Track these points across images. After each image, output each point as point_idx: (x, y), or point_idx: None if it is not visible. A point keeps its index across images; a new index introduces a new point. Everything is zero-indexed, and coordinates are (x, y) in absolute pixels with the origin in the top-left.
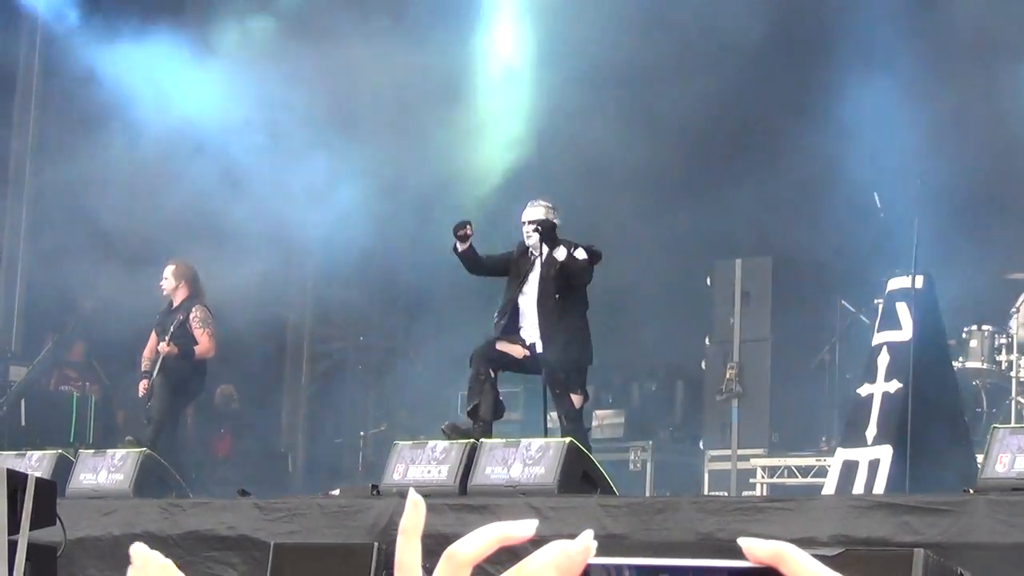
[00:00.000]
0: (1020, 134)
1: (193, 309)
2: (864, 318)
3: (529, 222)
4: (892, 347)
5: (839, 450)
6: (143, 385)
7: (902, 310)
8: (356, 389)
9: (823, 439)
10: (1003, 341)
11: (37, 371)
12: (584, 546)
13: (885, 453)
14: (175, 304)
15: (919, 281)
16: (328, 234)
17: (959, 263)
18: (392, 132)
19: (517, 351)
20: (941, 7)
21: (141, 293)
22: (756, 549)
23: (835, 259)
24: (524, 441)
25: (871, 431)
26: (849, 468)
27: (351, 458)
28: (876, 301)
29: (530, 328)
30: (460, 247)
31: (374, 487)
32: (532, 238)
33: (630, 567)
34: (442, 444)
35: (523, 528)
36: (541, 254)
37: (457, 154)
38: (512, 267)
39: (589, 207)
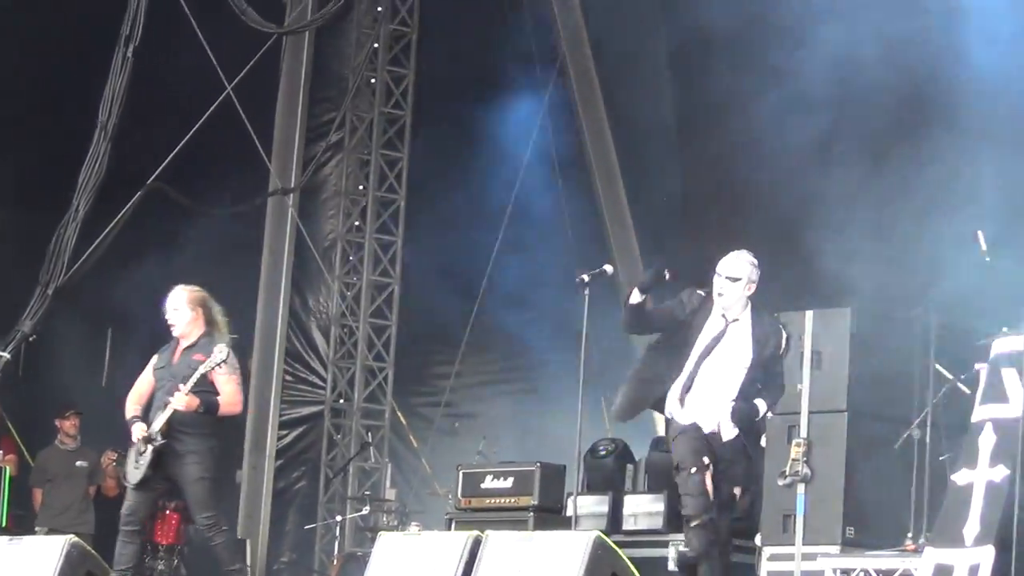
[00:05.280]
0: None
1: (216, 349)
2: (964, 387)
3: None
4: (998, 424)
5: (929, 550)
6: (140, 431)
7: (1010, 379)
8: (334, 460)
9: (909, 536)
10: None
11: None
12: None
13: (987, 556)
14: (188, 342)
15: None
16: None
17: None
18: None
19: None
20: None
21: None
22: None
23: (928, 312)
24: (540, 535)
25: (971, 528)
26: (942, 573)
27: (325, 549)
28: (978, 367)
29: (711, 403)
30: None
31: None
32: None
33: None
34: (438, 537)
35: None
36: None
37: None
38: (685, 323)
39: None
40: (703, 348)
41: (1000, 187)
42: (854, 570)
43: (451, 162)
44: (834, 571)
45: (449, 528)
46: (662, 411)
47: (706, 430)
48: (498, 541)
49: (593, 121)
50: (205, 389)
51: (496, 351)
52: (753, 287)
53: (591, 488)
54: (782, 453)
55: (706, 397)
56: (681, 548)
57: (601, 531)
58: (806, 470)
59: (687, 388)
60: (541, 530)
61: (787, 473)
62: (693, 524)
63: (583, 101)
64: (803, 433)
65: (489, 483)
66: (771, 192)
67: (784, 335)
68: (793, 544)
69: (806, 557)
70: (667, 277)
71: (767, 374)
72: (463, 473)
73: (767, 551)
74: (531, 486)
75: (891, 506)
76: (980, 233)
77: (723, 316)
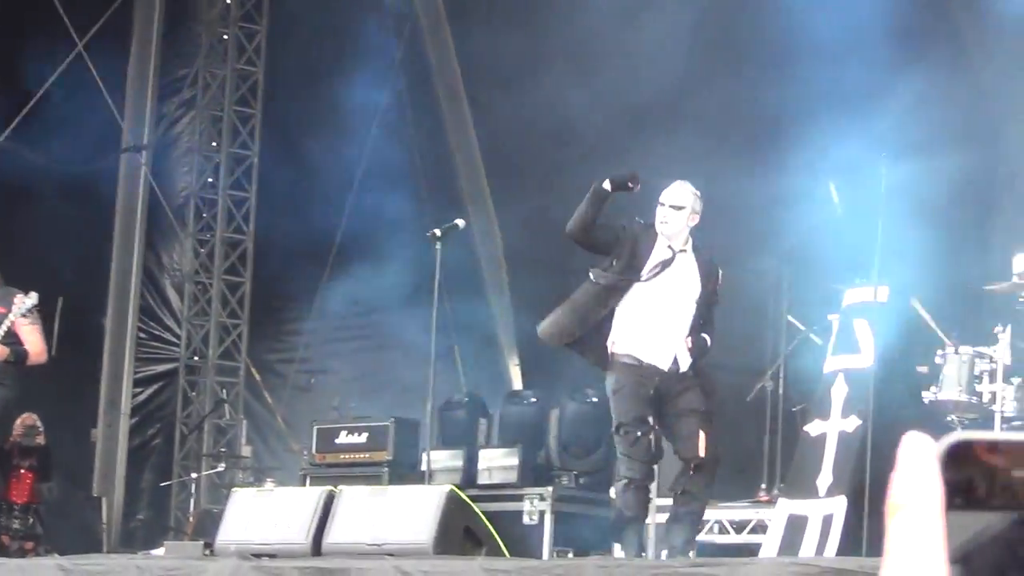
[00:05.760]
0: (1004, 122)
1: (16, 299)
2: (816, 338)
3: (670, 205)
4: (849, 375)
5: (783, 501)
6: None
7: (862, 329)
8: (189, 418)
9: (763, 487)
10: (985, 367)
11: None
12: None
13: (840, 506)
14: None
15: (882, 293)
16: None
17: (931, 271)
18: None
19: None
20: None
21: None
22: None
23: (781, 264)
24: (393, 489)
25: (823, 479)
26: (795, 524)
27: (181, 506)
28: (830, 317)
29: (664, 334)
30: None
31: (207, 545)
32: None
33: None
34: (291, 493)
35: None
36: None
37: None
38: (628, 253)
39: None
40: (650, 273)
41: (853, 138)
42: (708, 521)
43: (304, 117)
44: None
45: (304, 484)
46: (582, 354)
47: (663, 367)
48: (351, 496)
49: (445, 71)
50: (10, 340)
51: (350, 307)
52: (696, 218)
53: (446, 443)
54: None
55: (658, 327)
56: (621, 509)
57: (455, 485)
58: None
59: (634, 315)
60: (396, 485)
61: None
62: (634, 487)
63: (435, 51)
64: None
65: (343, 439)
66: (624, 142)
67: (721, 274)
68: None
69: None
70: (635, 186)
71: (708, 310)
72: (317, 429)
73: None
74: (386, 441)
75: (744, 458)
76: (832, 185)
77: (669, 247)
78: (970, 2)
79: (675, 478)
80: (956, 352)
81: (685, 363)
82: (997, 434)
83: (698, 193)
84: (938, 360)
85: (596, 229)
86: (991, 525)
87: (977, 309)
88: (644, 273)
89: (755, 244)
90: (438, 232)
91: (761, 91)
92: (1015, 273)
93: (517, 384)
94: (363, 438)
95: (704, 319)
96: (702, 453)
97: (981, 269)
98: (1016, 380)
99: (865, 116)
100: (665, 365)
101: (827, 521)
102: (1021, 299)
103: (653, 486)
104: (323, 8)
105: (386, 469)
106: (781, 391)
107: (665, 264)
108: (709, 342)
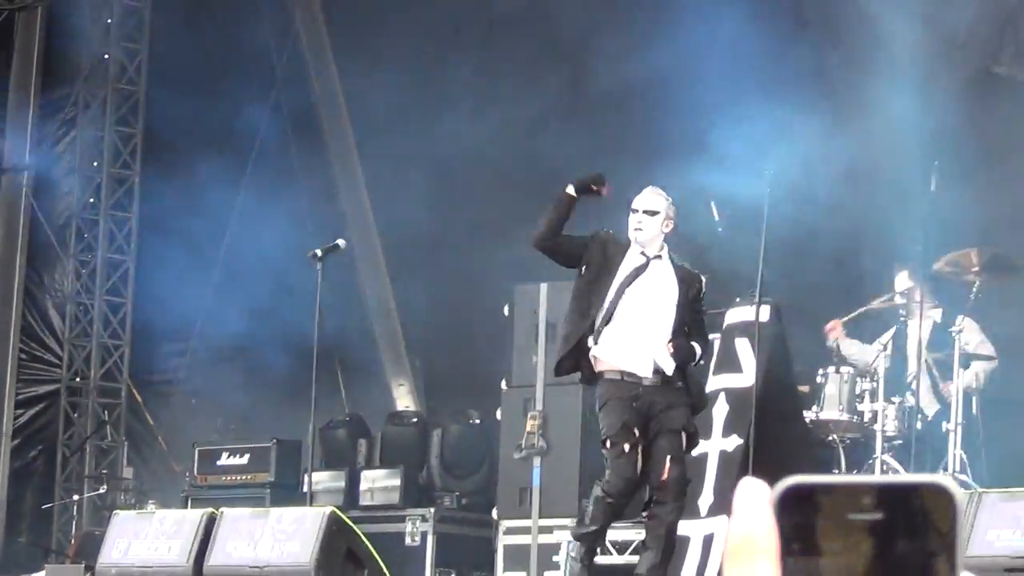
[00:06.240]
0: (885, 142)
1: None
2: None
3: (644, 211)
4: (731, 394)
5: None
6: None
7: (743, 348)
8: (71, 439)
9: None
10: (866, 387)
11: None
12: None
13: (721, 526)
14: None
15: (764, 312)
16: None
17: (812, 290)
18: None
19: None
20: None
21: None
22: None
23: None
24: (275, 511)
25: (705, 499)
26: (678, 544)
27: (63, 528)
28: (712, 337)
29: (643, 341)
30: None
31: (89, 568)
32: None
33: None
34: (173, 515)
35: None
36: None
37: None
38: (597, 261)
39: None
40: (624, 280)
41: (734, 157)
42: None
43: (186, 137)
44: (570, 544)
45: (186, 506)
46: (576, 369)
47: (643, 375)
48: (233, 517)
49: (326, 87)
50: None
51: (233, 326)
52: (671, 224)
53: (328, 463)
54: (518, 426)
55: (636, 335)
56: (588, 517)
57: (337, 507)
58: (542, 443)
59: (607, 321)
60: (277, 506)
61: (523, 446)
62: (608, 501)
63: (316, 71)
64: (538, 406)
65: (225, 460)
66: (510, 160)
67: (703, 280)
68: (529, 517)
69: (543, 530)
70: (603, 190)
71: (694, 319)
72: (199, 450)
73: (503, 524)
74: (267, 462)
75: None
76: (713, 204)
77: (642, 253)
78: (834, 36)
79: (644, 502)
80: (837, 371)
81: (668, 368)
82: (830, 477)
83: (670, 199)
84: (819, 379)
85: (562, 238)
86: (826, 570)
87: (859, 327)
88: (617, 280)
89: None
90: (319, 252)
91: (643, 109)
92: (897, 291)
93: (401, 405)
94: (245, 459)
95: (689, 326)
96: (664, 476)
97: (859, 287)
98: (897, 399)
99: (745, 136)
100: (646, 373)
101: (708, 541)
102: (902, 317)
103: None
104: (205, 27)
105: (268, 490)
106: None
107: (639, 271)
108: (699, 351)
